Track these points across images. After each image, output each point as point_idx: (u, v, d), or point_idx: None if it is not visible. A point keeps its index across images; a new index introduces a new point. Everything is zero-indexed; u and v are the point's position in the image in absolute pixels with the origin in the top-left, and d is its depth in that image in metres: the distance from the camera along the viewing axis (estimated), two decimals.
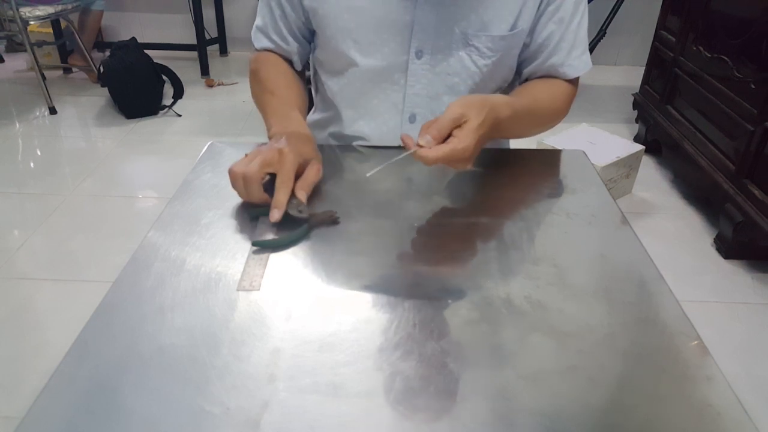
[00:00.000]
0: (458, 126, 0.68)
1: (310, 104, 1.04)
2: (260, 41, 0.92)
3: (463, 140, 0.67)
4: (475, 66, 0.85)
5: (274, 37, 0.91)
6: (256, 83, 0.90)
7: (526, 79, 0.91)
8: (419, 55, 0.85)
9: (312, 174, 0.71)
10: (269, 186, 0.68)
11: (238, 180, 0.67)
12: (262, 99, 0.87)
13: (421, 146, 0.67)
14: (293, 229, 0.66)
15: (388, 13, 0.82)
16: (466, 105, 0.70)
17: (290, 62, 0.93)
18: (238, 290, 0.57)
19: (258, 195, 0.67)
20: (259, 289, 0.58)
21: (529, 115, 0.83)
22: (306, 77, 0.99)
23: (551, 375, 0.49)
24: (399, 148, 0.93)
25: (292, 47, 0.91)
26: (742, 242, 1.70)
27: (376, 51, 0.85)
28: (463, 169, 0.70)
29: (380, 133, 0.91)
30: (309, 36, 0.93)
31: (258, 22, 0.92)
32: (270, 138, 0.76)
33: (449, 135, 0.68)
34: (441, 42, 0.83)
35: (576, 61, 0.87)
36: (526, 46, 0.87)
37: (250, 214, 0.69)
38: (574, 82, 0.89)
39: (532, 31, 0.85)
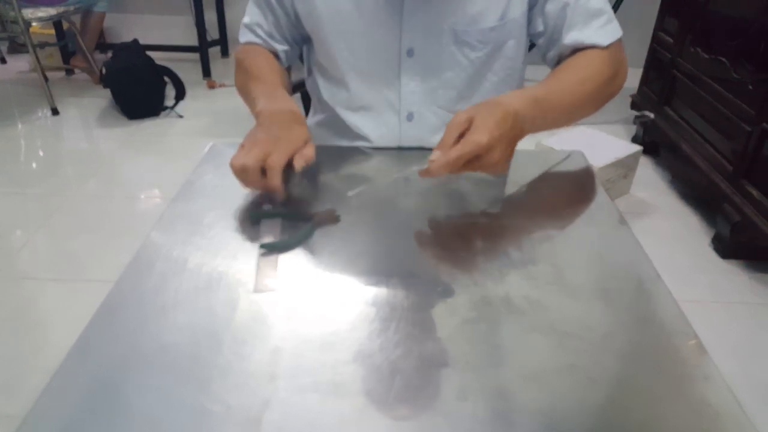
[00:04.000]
0: (467, 129, 0.64)
1: (308, 107, 1.05)
2: (247, 36, 0.93)
3: (475, 135, 0.63)
4: (467, 59, 0.86)
5: (264, 36, 0.92)
6: (242, 72, 0.90)
7: (557, 65, 0.86)
8: (410, 53, 0.85)
9: (309, 151, 0.70)
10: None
11: (239, 173, 0.67)
12: (247, 86, 0.87)
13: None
14: (297, 229, 0.67)
15: (376, 14, 0.83)
16: (472, 109, 0.67)
17: (276, 57, 0.94)
18: (255, 292, 0.58)
19: (260, 184, 0.68)
20: (274, 290, 0.58)
21: (555, 96, 0.77)
22: (292, 77, 1.00)
23: (550, 374, 0.49)
24: (401, 149, 0.93)
25: (281, 47, 0.93)
26: (740, 242, 1.70)
27: (368, 52, 0.86)
28: (496, 169, 0.66)
29: (380, 134, 0.92)
30: (299, 39, 0.95)
31: (246, 19, 0.93)
32: (257, 116, 0.76)
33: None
34: (431, 39, 0.84)
35: (599, 31, 0.82)
36: (541, 33, 0.86)
37: (252, 216, 0.70)
38: (609, 49, 0.83)
39: (540, 15, 0.84)
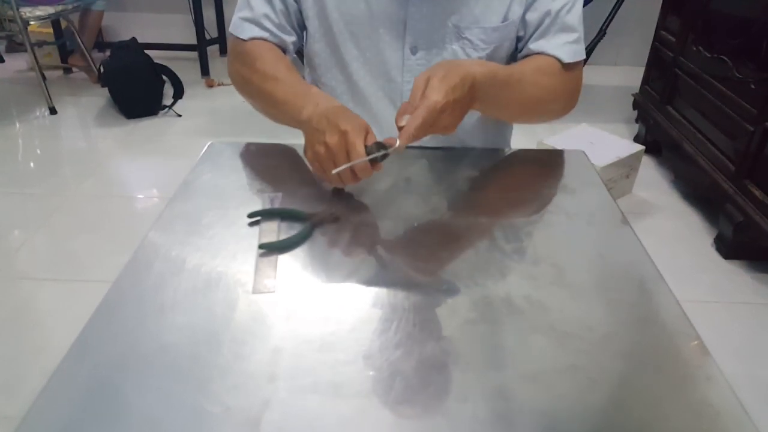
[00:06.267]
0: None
1: None
2: (250, 31, 0.87)
3: (431, 95, 0.66)
4: (469, 59, 0.86)
5: (272, 29, 0.87)
6: (252, 72, 0.85)
7: None
8: (414, 50, 0.86)
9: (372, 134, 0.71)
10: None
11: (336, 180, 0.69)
12: (264, 87, 0.84)
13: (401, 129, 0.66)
14: (296, 229, 0.67)
15: (382, 10, 0.83)
16: (430, 68, 0.70)
17: (284, 51, 0.90)
18: (254, 293, 0.57)
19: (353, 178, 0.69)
20: (274, 291, 0.58)
21: (513, 81, 0.80)
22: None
23: (551, 374, 0.49)
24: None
25: (289, 38, 0.89)
26: (742, 242, 1.70)
27: (372, 48, 0.86)
28: (446, 131, 0.69)
29: (379, 130, 0.91)
30: (305, 28, 0.93)
31: (245, 13, 0.87)
32: (305, 120, 0.74)
33: None
34: (435, 37, 0.84)
35: (565, 47, 0.84)
36: (519, 38, 0.88)
37: (251, 216, 0.69)
38: (569, 68, 0.85)
39: (522, 22, 0.86)
